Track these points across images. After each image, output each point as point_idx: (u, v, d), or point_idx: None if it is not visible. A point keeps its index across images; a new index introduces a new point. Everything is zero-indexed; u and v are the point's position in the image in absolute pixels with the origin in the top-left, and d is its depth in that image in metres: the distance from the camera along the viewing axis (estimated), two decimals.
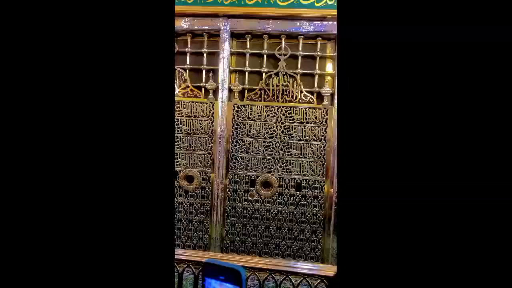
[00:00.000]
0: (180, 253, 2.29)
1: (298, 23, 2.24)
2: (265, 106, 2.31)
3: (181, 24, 2.32)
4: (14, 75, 0.45)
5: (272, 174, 2.32)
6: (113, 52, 0.48)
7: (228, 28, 2.30)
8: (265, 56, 2.32)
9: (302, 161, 2.29)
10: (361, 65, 0.47)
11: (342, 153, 0.49)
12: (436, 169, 0.44)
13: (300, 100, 2.29)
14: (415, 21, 0.45)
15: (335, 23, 2.21)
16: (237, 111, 2.33)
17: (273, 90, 2.31)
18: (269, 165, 2.32)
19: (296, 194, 2.30)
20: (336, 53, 2.26)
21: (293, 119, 2.29)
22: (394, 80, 0.46)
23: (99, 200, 0.47)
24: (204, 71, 2.36)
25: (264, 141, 2.32)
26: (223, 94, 2.33)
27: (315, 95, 2.29)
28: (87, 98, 0.48)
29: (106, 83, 0.48)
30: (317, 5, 2.17)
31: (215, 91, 2.34)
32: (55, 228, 0.46)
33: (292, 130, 2.29)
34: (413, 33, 0.45)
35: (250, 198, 2.35)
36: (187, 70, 2.38)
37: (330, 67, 2.33)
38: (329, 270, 2.20)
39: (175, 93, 2.37)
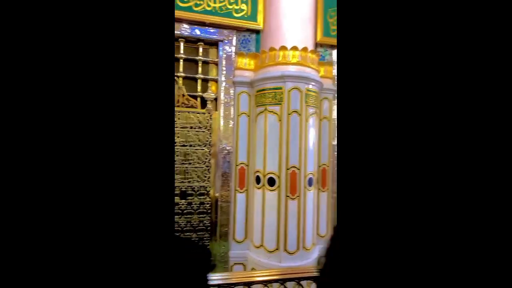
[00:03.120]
0: None
1: (176, 25, 2.19)
2: None
3: None
4: (7, 79, 0.44)
5: None
6: (116, 60, 0.48)
7: None
8: None
9: (187, 167, 2.19)
10: (362, 65, 0.48)
11: (341, 153, 0.49)
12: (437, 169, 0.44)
13: (183, 104, 2.22)
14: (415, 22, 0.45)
15: (216, 30, 2.24)
16: None
17: None
18: None
19: (181, 202, 2.17)
20: (229, 59, 2.27)
21: (176, 124, 2.19)
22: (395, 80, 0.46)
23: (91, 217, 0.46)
24: None
25: None
26: None
27: (198, 99, 2.25)
28: (87, 101, 0.47)
29: (105, 88, 0.48)
30: (195, 9, 2.17)
31: None
32: (42, 232, 0.44)
33: (175, 135, 2.19)
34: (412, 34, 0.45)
35: None
36: None
37: (213, 72, 2.32)
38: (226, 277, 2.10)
39: None
